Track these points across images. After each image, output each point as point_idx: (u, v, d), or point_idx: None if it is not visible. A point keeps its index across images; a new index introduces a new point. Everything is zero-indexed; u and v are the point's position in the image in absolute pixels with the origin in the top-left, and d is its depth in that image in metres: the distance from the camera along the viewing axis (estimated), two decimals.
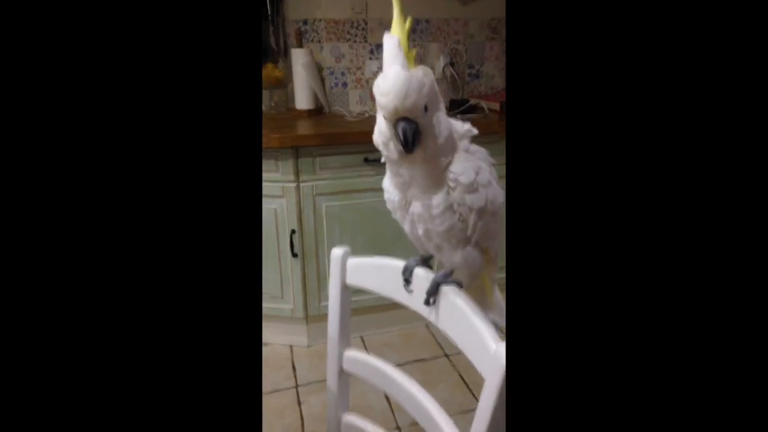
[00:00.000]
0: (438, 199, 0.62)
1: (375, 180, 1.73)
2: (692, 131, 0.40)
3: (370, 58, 2.22)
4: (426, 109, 0.56)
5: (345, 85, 2.24)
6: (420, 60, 2.28)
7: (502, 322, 0.78)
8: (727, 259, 0.40)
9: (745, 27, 0.38)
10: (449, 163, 0.61)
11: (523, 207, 0.44)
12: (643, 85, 0.41)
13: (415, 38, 2.24)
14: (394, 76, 0.54)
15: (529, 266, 0.44)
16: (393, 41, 0.55)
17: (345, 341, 0.86)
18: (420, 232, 0.66)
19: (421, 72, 0.55)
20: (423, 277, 0.68)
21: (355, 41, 2.20)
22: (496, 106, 2.09)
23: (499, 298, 0.78)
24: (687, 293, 0.40)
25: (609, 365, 0.42)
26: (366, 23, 2.18)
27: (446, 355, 1.91)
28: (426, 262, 0.72)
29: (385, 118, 0.57)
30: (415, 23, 2.23)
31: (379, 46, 2.06)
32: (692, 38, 0.40)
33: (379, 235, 1.89)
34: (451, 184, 0.60)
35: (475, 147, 0.65)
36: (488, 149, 0.67)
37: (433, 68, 2.29)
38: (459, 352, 2.21)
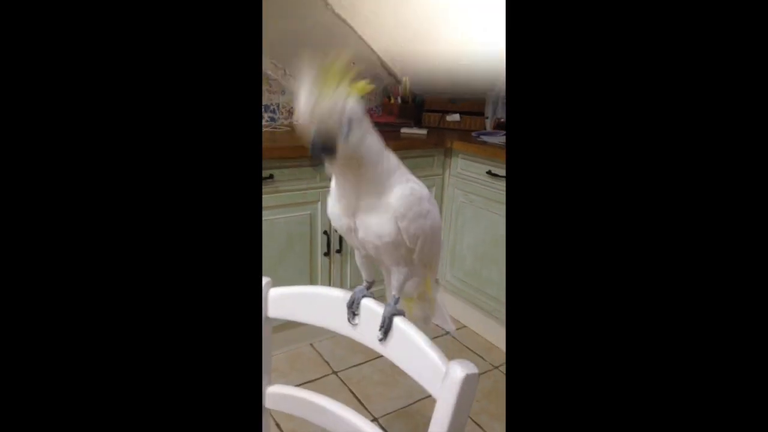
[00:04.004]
0: (386, 228, 0.64)
1: None
2: (670, 149, 0.41)
3: None
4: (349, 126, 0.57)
5: None
6: None
7: (446, 325, 0.85)
8: (725, 261, 0.40)
9: (745, 27, 0.39)
10: (390, 182, 0.64)
11: (522, 213, 0.46)
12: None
13: None
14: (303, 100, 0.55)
15: (529, 272, 0.45)
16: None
17: (268, 378, 0.84)
18: (372, 252, 0.69)
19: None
20: (370, 309, 0.70)
21: None
22: None
23: (441, 302, 0.86)
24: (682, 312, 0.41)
25: (609, 371, 0.42)
26: None
27: (335, 372, 1.93)
28: (369, 289, 0.74)
29: None
30: None
31: None
32: (679, 46, 0.41)
33: None
34: (400, 219, 0.64)
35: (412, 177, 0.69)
36: None
37: None
38: (347, 367, 2.18)
